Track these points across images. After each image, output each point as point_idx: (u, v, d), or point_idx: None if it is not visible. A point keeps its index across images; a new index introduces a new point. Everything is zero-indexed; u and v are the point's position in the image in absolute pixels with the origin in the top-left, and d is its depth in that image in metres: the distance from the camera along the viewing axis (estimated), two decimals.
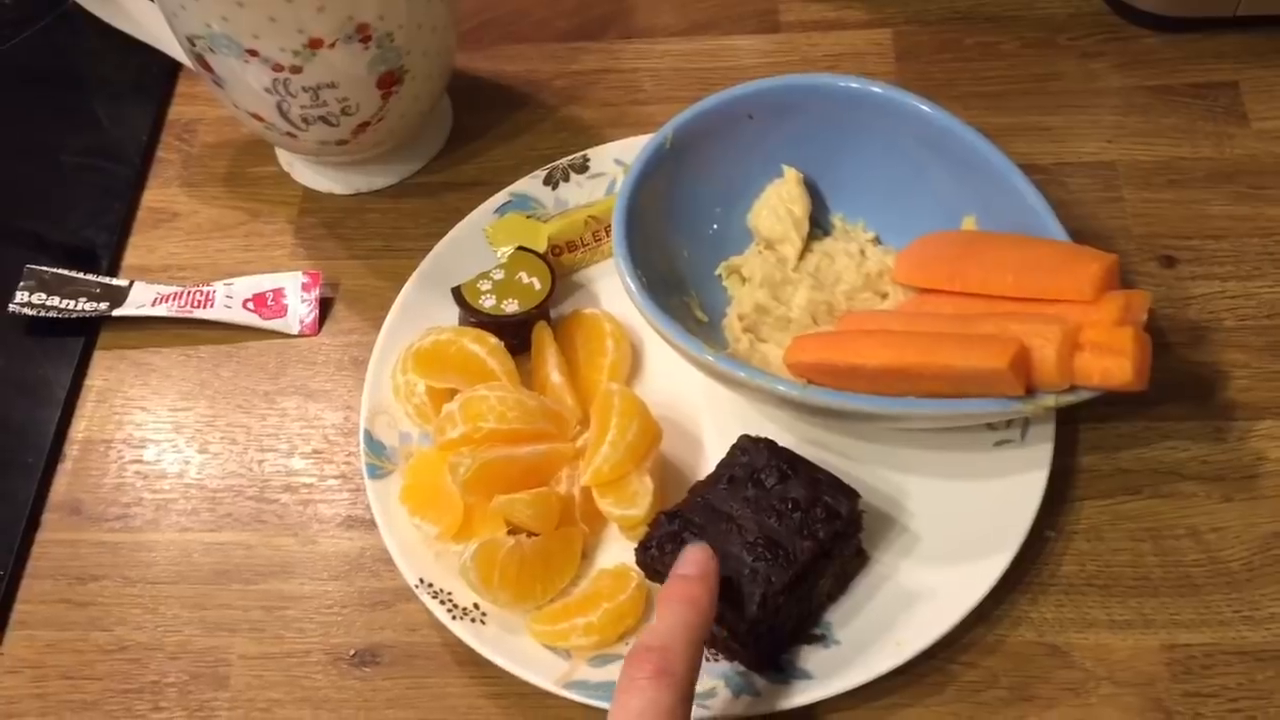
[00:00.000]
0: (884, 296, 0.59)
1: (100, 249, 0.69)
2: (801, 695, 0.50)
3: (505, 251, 0.62)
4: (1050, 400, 0.50)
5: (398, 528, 0.55)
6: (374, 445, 0.58)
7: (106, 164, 0.72)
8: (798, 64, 0.73)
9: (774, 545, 0.50)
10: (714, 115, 0.60)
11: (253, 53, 0.59)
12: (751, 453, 0.53)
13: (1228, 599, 0.54)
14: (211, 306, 0.65)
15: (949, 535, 0.54)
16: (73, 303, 0.66)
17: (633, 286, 0.55)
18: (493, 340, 0.57)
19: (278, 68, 0.59)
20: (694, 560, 0.48)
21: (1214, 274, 0.63)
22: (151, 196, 0.72)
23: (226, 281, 0.66)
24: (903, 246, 0.60)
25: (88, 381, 0.65)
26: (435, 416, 0.57)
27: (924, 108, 0.59)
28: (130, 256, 0.69)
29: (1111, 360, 0.48)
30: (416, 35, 0.61)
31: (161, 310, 0.65)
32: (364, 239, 0.69)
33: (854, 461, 0.57)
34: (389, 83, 0.62)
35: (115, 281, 0.67)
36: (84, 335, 0.66)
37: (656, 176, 0.58)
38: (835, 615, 0.53)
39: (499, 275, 0.60)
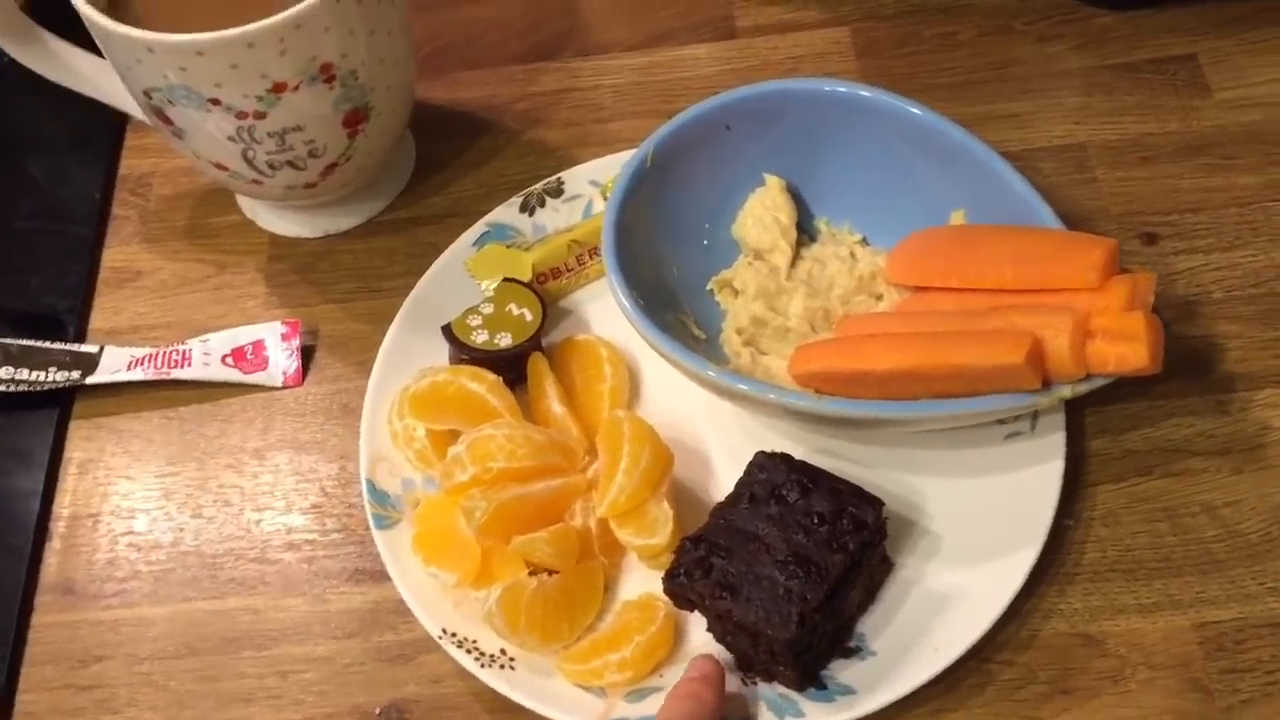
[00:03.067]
0: (879, 298, 0.59)
1: (64, 314, 0.66)
2: (846, 712, 0.49)
3: (490, 284, 0.61)
4: (1066, 391, 0.49)
5: (412, 578, 0.54)
6: (377, 495, 0.56)
7: (60, 225, 0.70)
8: (758, 69, 0.73)
9: (805, 561, 0.49)
10: (692, 129, 0.59)
11: (215, 101, 0.57)
12: (770, 469, 0.52)
13: (1251, 572, 0.54)
14: (189, 365, 0.63)
15: (971, 533, 0.54)
16: (43, 374, 0.63)
17: (630, 308, 0.54)
18: (491, 377, 0.56)
19: (241, 115, 0.57)
20: (701, 667, 0.50)
21: (1196, 248, 0.63)
22: (112, 256, 0.69)
23: (202, 338, 0.64)
24: (891, 246, 0.59)
25: (67, 454, 0.62)
26: (439, 460, 0.56)
27: (904, 106, 0.58)
28: (97, 320, 0.67)
29: (1125, 346, 0.48)
30: (379, 71, 0.60)
31: (138, 374, 0.63)
32: (339, 282, 0.67)
33: (867, 467, 0.56)
34: (355, 121, 0.61)
35: (85, 348, 0.64)
36: (58, 406, 0.63)
37: (640, 195, 0.58)
38: (867, 625, 0.52)
39: (488, 309, 0.59)
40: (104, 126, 0.73)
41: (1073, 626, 0.53)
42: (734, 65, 0.73)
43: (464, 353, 0.58)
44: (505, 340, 0.58)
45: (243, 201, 0.70)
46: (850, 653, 0.52)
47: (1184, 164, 0.66)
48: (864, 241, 0.61)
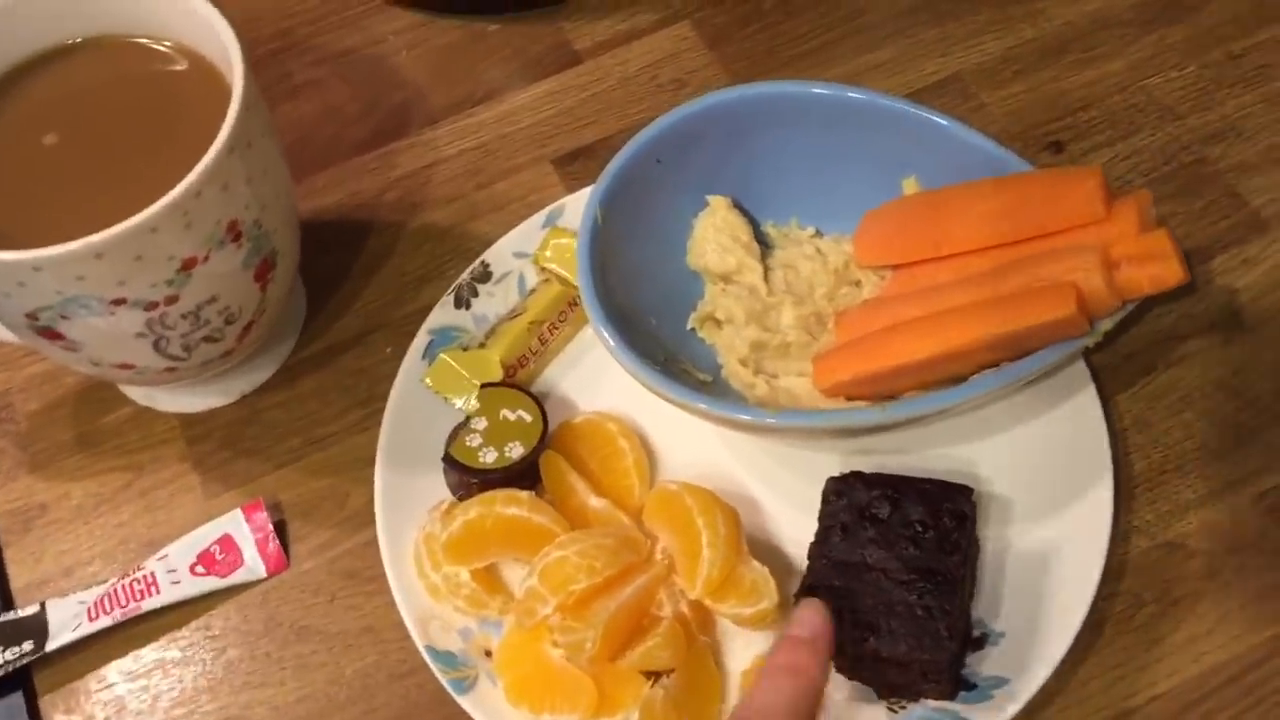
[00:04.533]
0: (857, 285, 0.58)
1: None
2: (1013, 703, 0.48)
3: (468, 397, 0.56)
4: (1107, 324, 0.50)
5: None
6: (443, 659, 0.51)
7: None
8: (618, 86, 0.70)
9: (928, 573, 0.48)
10: (626, 173, 0.56)
11: (119, 301, 0.50)
12: (848, 492, 0.51)
13: (1279, 431, 0.56)
14: (158, 591, 0.55)
15: (1037, 486, 0.54)
16: None
17: (653, 381, 0.51)
18: (523, 494, 0.52)
19: (151, 306, 0.50)
20: (805, 620, 0.45)
21: (1099, 143, 0.65)
22: (1, 498, 0.60)
23: (159, 555, 0.57)
24: (847, 231, 0.59)
25: None
26: (492, 598, 0.52)
27: (818, 90, 0.57)
28: (17, 575, 0.58)
29: (1158, 265, 0.48)
30: (276, 211, 0.54)
31: (104, 622, 0.55)
32: (278, 443, 0.60)
33: (907, 454, 0.55)
34: (265, 272, 0.55)
35: (22, 613, 0.56)
36: (19, 689, 0.55)
37: (602, 257, 0.54)
38: (979, 610, 0.52)
39: (482, 424, 0.55)
40: None
41: (1153, 539, 0.54)
42: (594, 90, 0.70)
43: (474, 477, 0.53)
44: (516, 450, 0.54)
45: (131, 389, 0.62)
46: (979, 643, 0.51)
47: (1055, 67, 0.68)
48: (818, 234, 0.60)
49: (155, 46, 0.55)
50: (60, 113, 0.54)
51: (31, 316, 0.50)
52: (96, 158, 0.52)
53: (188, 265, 0.50)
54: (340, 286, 0.64)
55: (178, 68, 0.54)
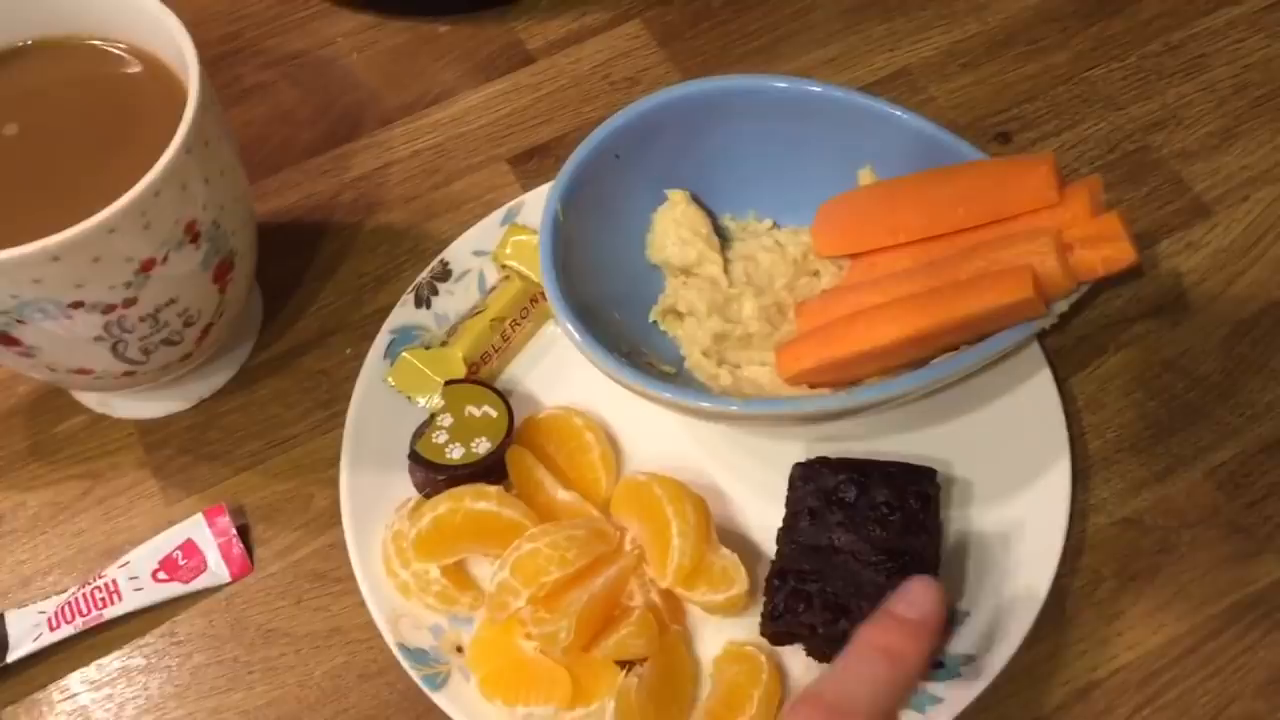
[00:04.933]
0: (815, 275, 0.59)
1: None
2: (981, 679, 0.49)
3: (431, 396, 0.56)
4: (1063, 306, 0.51)
5: None
6: (415, 655, 0.51)
7: None
8: (571, 85, 0.70)
9: (897, 554, 0.49)
10: (585, 168, 0.56)
11: (77, 305, 0.49)
12: (814, 477, 0.51)
13: (1227, 408, 0.58)
14: (120, 599, 0.55)
15: (995, 466, 0.55)
16: None
17: (619, 372, 0.51)
18: (492, 489, 0.52)
19: (109, 309, 0.50)
20: (916, 599, 0.39)
21: (1046, 133, 0.67)
22: None
23: (120, 563, 0.56)
24: (803, 223, 0.59)
25: None
26: (463, 593, 0.52)
27: (776, 83, 0.58)
28: None
29: (1110, 247, 0.49)
30: (234, 211, 0.54)
31: (65, 631, 0.54)
32: (238, 446, 0.60)
33: (873, 441, 0.56)
34: (224, 273, 0.54)
35: None
36: None
37: (566, 252, 0.54)
38: (945, 589, 0.52)
39: (447, 420, 0.55)
40: None
41: (1110, 517, 0.55)
42: (548, 89, 0.70)
43: (442, 473, 0.53)
44: (483, 446, 0.54)
45: (85, 396, 0.61)
46: (946, 623, 0.51)
47: (1000, 59, 0.69)
48: (776, 226, 0.60)
49: (108, 48, 0.55)
50: (14, 110, 0.53)
51: None
52: (50, 157, 0.52)
53: (146, 267, 0.49)
54: (297, 289, 0.64)
55: (131, 70, 0.54)
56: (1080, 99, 0.67)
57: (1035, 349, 0.56)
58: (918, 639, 0.38)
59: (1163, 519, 0.55)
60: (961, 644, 0.51)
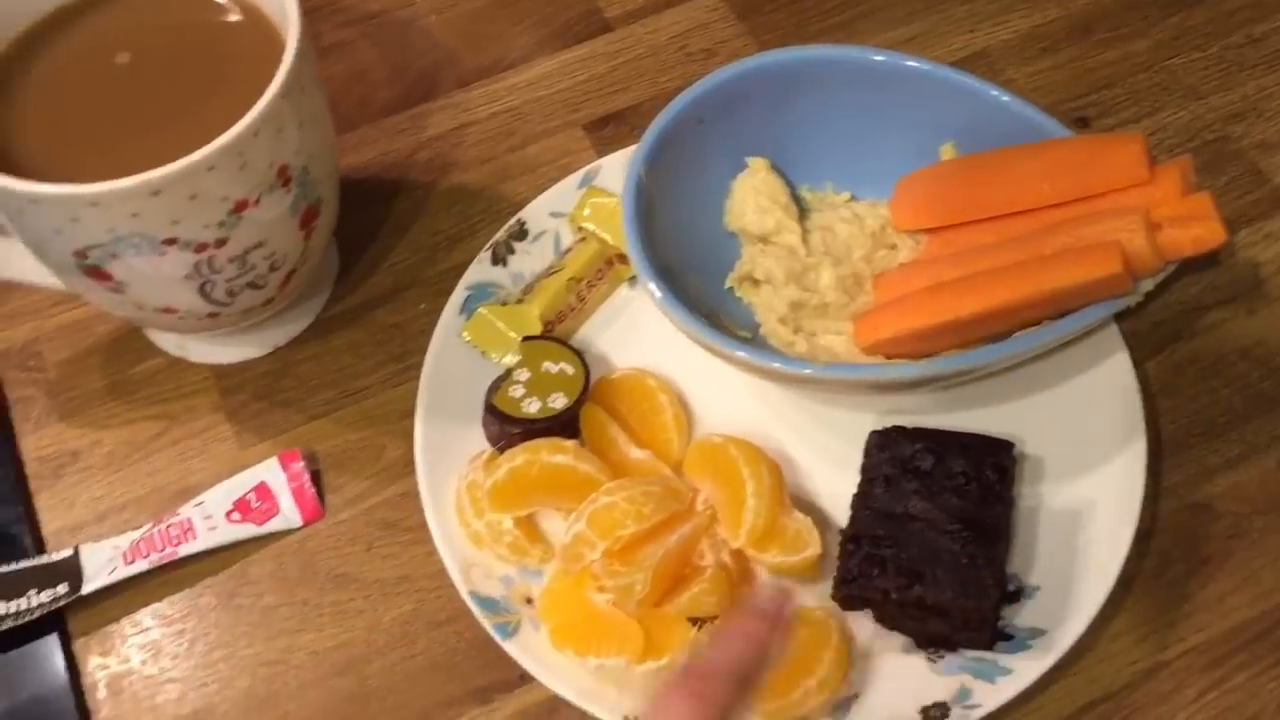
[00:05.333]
0: (893, 248, 0.59)
1: (12, 527, 0.57)
2: (1051, 652, 0.49)
3: (506, 352, 0.57)
4: (1149, 284, 0.51)
5: (567, 674, 0.50)
6: (487, 604, 0.52)
7: None
8: (648, 55, 0.71)
9: (973, 523, 0.49)
10: (669, 133, 0.56)
11: (170, 241, 0.50)
12: (890, 446, 0.51)
13: None
14: (195, 537, 0.55)
15: (1068, 444, 0.55)
16: (24, 601, 0.54)
17: (700, 332, 0.51)
18: (569, 443, 0.52)
19: (201, 248, 0.51)
20: (771, 598, 0.42)
21: (1125, 120, 0.66)
22: (32, 445, 0.60)
23: (195, 502, 0.56)
24: (880, 197, 0.59)
25: (88, 681, 0.54)
26: (534, 545, 0.52)
27: (864, 55, 0.58)
28: (49, 521, 0.58)
29: (1200, 227, 0.49)
30: (323, 159, 0.54)
31: (140, 566, 0.55)
32: (312, 394, 0.61)
33: (944, 415, 0.56)
34: (310, 219, 0.55)
35: (56, 556, 0.56)
36: (55, 632, 0.54)
37: (649, 216, 0.55)
38: (1014, 565, 0.53)
39: (525, 375, 0.55)
40: None
41: (1181, 501, 0.55)
42: (623, 57, 0.71)
43: (518, 427, 0.54)
44: (560, 401, 0.54)
45: (163, 339, 0.62)
46: (1015, 597, 0.52)
47: (1080, 45, 0.69)
48: (853, 198, 0.60)
49: None
50: (128, 40, 0.54)
51: (80, 255, 0.50)
52: (155, 91, 0.52)
53: (239, 207, 0.50)
54: (371, 244, 0.65)
55: (233, 18, 0.55)
56: (1160, 87, 0.67)
57: (1113, 330, 0.56)
58: (773, 626, 0.41)
59: (1234, 505, 0.55)
60: (1031, 618, 0.51)
